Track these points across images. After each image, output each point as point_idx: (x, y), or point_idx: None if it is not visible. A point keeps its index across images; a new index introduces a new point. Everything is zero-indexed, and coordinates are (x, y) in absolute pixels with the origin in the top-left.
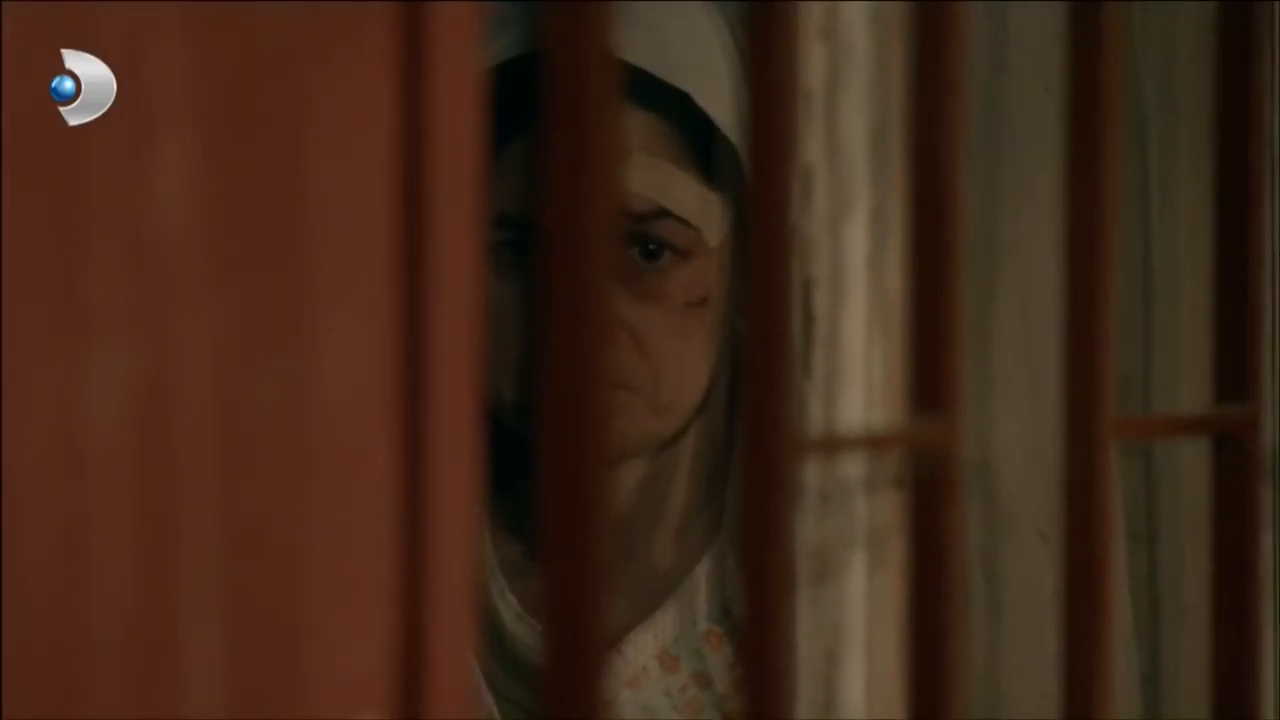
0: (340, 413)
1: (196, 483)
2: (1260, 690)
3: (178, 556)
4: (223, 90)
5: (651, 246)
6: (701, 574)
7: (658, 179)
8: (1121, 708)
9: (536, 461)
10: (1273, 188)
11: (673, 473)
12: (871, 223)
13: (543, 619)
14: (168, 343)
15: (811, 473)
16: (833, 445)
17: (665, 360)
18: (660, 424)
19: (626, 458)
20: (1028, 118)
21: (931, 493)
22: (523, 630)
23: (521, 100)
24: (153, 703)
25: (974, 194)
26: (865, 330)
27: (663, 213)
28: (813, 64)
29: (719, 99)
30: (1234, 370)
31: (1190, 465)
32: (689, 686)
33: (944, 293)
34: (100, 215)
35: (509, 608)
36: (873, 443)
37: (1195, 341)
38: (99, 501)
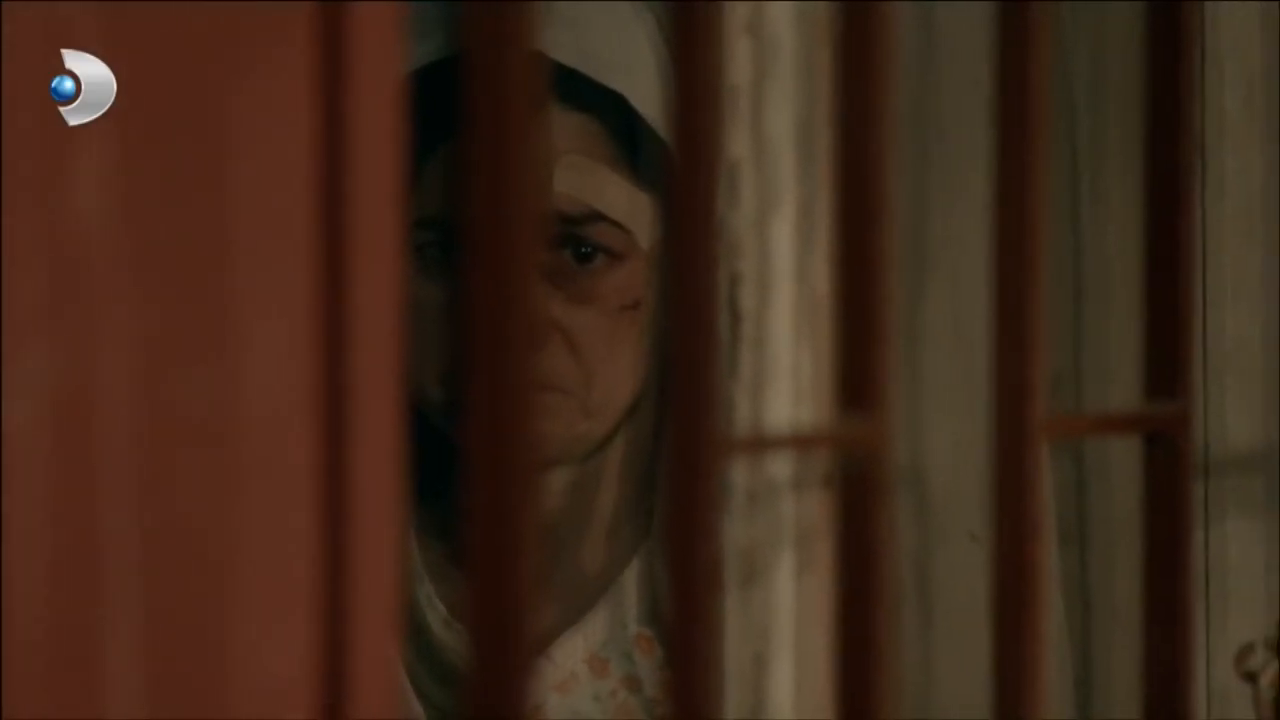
0: (262, 416)
1: (115, 488)
2: (1192, 692)
3: (97, 562)
4: (141, 90)
5: (585, 250)
6: (631, 577)
7: (590, 182)
8: (1054, 711)
9: (462, 466)
10: (1202, 185)
11: (601, 477)
12: (799, 219)
13: (467, 624)
14: (85, 346)
15: (738, 473)
16: (760, 445)
17: (598, 362)
18: (591, 426)
19: (555, 463)
20: (957, 116)
21: (860, 493)
22: (450, 636)
23: (447, 104)
24: (72, 708)
25: (903, 192)
26: (793, 328)
27: (595, 215)
28: (738, 60)
29: (650, 98)
30: (1164, 367)
31: (1121, 464)
32: (619, 690)
33: (871, 289)
34: (15, 214)
35: (436, 613)
36: (800, 442)
37: (1126, 338)
38: (15, 507)
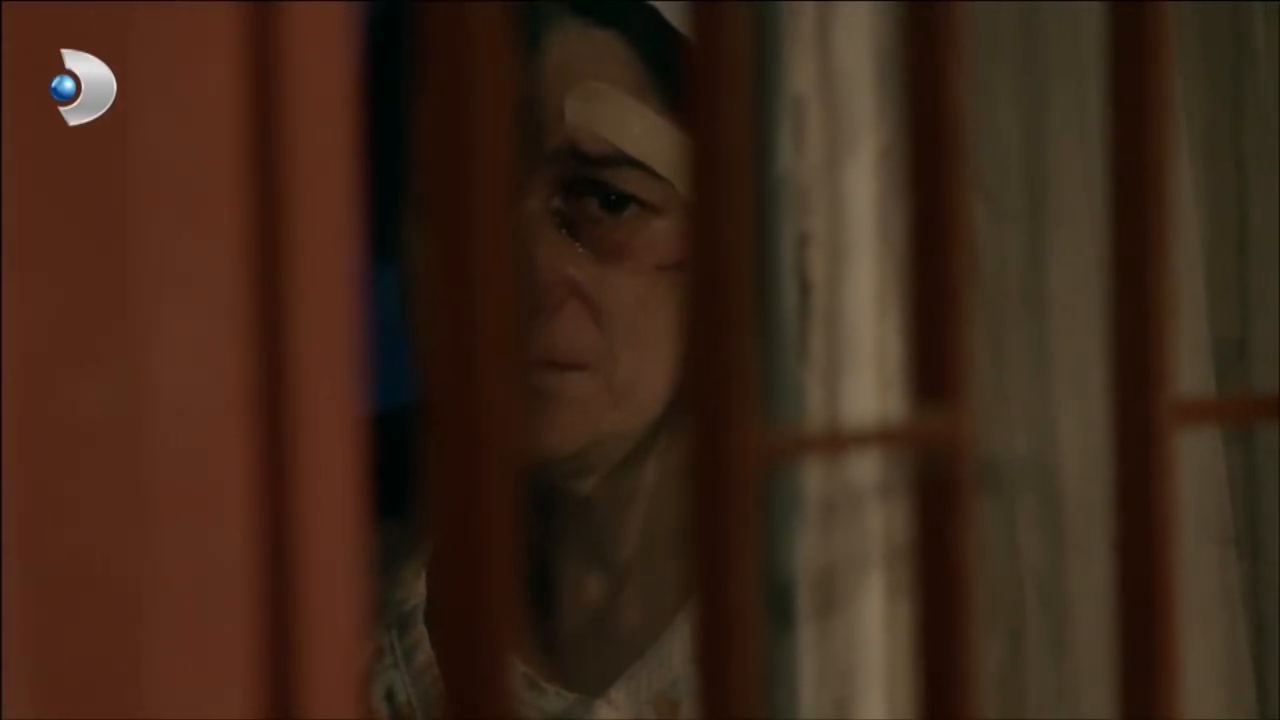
0: (182, 425)
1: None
2: None
3: None
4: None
5: (613, 197)
6: None
7: (614, 115)
8: None
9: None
10: None
11: (663, 485)
12: (879, 165)
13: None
14: None
15: (813, 479)
16: (831, 444)
17: (626, 332)
18: (622, 416)
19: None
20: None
21: (937, 499)
22: (534, 697)
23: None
24: None
25: (1014, 131)
26: (875, 298)
27: (620, 157)
28: None
29: None
30: None
31: None
32: None
33: (945, 253)
34: None
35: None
36: (875, 439)
37: None
38: None
